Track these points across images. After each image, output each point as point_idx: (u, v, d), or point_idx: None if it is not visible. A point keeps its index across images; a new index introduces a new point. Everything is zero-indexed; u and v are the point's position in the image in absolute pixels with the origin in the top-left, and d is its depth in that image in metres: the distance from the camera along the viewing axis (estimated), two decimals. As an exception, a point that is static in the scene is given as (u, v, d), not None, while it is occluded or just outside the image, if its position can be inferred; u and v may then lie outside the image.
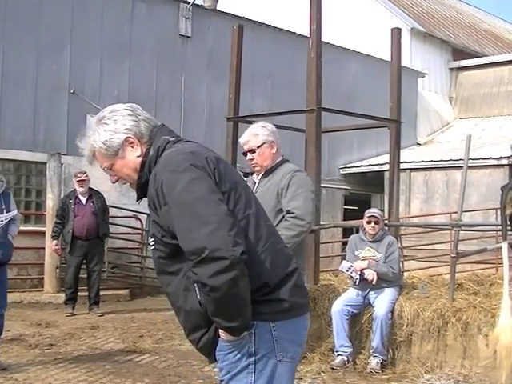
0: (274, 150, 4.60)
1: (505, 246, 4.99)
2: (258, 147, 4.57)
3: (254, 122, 7.26)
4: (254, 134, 4.60)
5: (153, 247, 2.42)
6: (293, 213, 4.42)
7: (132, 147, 2.46)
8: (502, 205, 4.98)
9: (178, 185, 2.24)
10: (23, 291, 10.72)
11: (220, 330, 2.31)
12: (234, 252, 2.14)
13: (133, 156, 2.46)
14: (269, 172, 4.63)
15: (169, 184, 2.26)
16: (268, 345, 2.33)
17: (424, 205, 16.04)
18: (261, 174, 4.66)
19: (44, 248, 10.61)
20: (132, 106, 2.51)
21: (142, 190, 2.47)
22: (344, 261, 6.64)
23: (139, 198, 2.51)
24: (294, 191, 4.46)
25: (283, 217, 4.48)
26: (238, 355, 2.32)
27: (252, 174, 4.86)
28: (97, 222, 9.33)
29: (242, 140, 4.69)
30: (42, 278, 10.81)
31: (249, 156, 4.63)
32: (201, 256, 2.14)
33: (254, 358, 2.32)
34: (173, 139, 2.46)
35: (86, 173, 9.54)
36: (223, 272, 2.13)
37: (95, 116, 2.52)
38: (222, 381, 2.39)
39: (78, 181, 9.34)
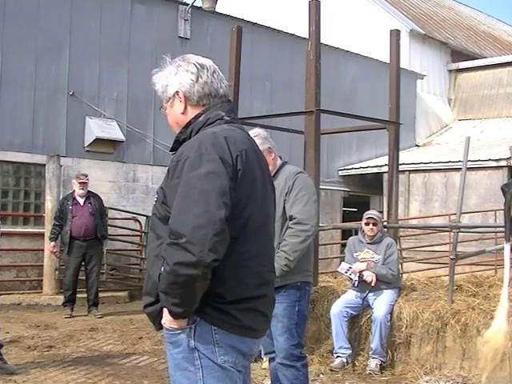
0: (273, 156, 4.47)
1: (507, 247, 4.82)
2: None
3: (253, 123, 7.25)
4: None
5: (154, 203, 2.50)
6: (295, 218, 4.31)
7: (180, 101, 2.54)
8: (507, 205, 4.78)
9: (198, 170, 2.29)
10: (22, 293, 10.73)
11: (163, 317, 2.37)
12: (205, 255, 2.19)
13: (178, 110, 2.55)
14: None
15: (191, 164, 2.31)
16: (209, 346, 2.36)
17: (423, 206, 16.03)
18: None
19: (43, 250, 10.60)
20: (203, 65, 2.56)
21: (177, 144, 2.53)
22: (343, 262, 6.64)
23: (172, 150, 2.56)
24: (295, 195, 4.36)
25: None
26: (180, 348, 2.39)
27: None
28: (95, 223, 9.32)
29: None
30: (41, 280, 10.81)
31: None
32: (177, 240, 2.22)
33: (197, 354, 2.36)
34: (227, 118, 2.51)
35: (87, 176, 9.58)
36: (186, 266, 2.20)
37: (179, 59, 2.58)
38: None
39: (79, 182, 9.34)
